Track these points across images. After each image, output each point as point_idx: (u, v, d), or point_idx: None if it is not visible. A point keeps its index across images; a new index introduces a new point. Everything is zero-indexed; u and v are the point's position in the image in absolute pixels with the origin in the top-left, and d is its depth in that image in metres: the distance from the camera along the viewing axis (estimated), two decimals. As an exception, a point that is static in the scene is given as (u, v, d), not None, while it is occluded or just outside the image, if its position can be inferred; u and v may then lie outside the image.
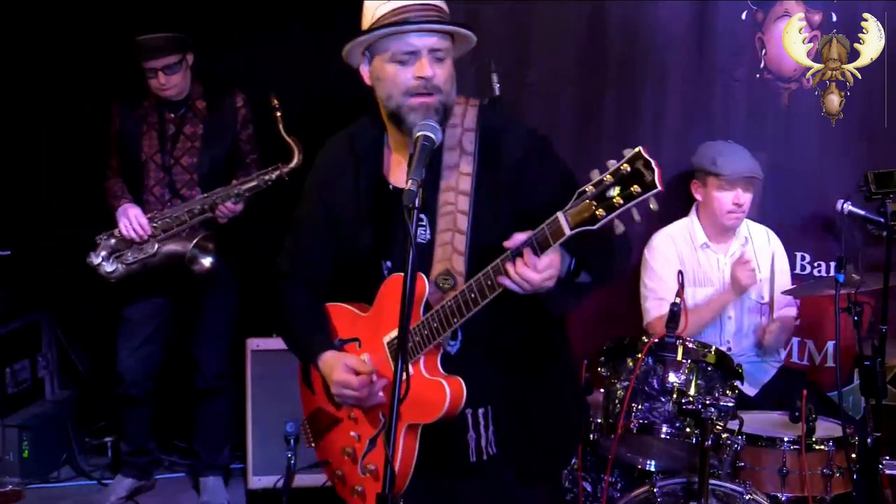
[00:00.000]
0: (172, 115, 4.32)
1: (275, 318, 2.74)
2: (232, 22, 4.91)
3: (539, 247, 2.19)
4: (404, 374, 2.13)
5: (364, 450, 2.52)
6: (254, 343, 4.51)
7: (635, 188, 2.06)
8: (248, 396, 4.50)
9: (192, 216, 4.23)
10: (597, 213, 2.10)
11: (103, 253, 4.23)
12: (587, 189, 2.12)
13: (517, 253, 2.21)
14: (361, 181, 2.53)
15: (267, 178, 4.23)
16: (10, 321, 4.93)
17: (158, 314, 4.46)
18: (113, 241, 4.25)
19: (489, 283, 2.26)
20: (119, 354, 4.45)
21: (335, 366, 2.49)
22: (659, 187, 2.05)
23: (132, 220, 4.20)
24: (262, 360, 4.48)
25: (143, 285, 4.35)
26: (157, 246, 4.22)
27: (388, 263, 2.50)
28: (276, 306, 2.71)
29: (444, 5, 2.42)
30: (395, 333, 2.39)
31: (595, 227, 2.12)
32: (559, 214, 2.15)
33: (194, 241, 4.21)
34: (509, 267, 2.22)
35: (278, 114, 4.23)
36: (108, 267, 4.23)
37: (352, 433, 2.57)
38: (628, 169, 2.07)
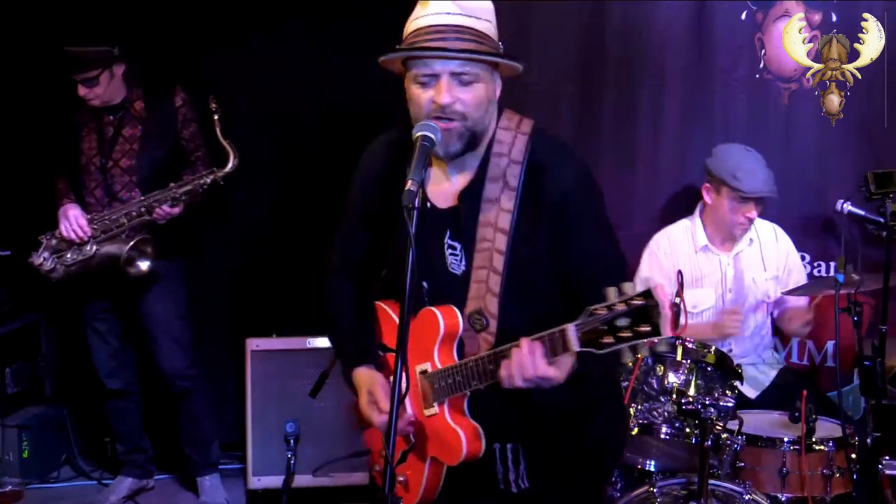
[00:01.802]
0: (111, 118, 4.31)
1: (322, 311, 2.70)
2: (229, 23, 4.89)
3: (549, 351, 2.15)
4: (404, 377, 2.13)
5: (397, 460, 2.46)
6: (254, 343, 4.51)
7: (644, 328, 2.03)
8: (248, 396, 4.50)
9: (130, 219, 4.20)
10: (603, 340, 2.06)
11: (45, 253, 4.25)
12: (597, 310, 2.07)
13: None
14: (398, 193, 2.38)
15: (202, 181, 4.21)
16: (10, 321, 4.93)
17: (107, 312, 4.47)
18: (55, 241, 4.26)
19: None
20: (91, 353, 4.50)
21: (362, 390, 2.48)
22: (666, 335, 2.03)
23: (71, 221, 4.20)
24: (262, 360, 4.48)
25: (85, 286, 4.36)
26: (94, 247, 4.21)
27: (425, 284, 2.43)
28: (322, 302, 2.68)
29: (482, 25, 2.30)
30: (426, 367, 2.39)
31: (600, 353, 2.08)
32: (569, 328, 2.10)
33: (130, 244, 4.19)
34: (505, 362, 2.19)
35: (216, 117, 4.18)
36: (48, 266, 4.24)
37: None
38: (641, 303, 2.03)
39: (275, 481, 4.36)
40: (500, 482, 2.47)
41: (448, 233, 2.41)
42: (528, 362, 2.15)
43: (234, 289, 5.01)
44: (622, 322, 2.04)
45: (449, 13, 2.26)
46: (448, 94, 2.26)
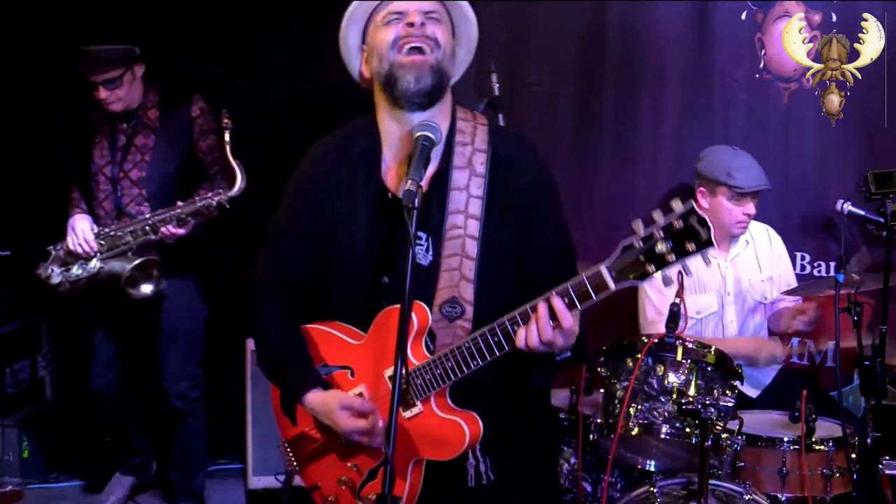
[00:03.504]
0: (124, 126, 4.14)
1: (252, 334, 2.62)
2: (228, 23, 4.90)
3: (578, 299, 2.12)
4: (404, 374, 2.10)
5: (363, 480, 2.41)
6: (253, 343, 4.50)
7: (690, 245, 2.03)
8: (248, 396, 4.49)
9: (136, 237, 4.04)
10: (646, 269, 2.06)
11: (53, 266, 4.11)
12: (634, 243, 2.07)
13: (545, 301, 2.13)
14: (359, 189, 2.41)
15: (208, 203, 3.99)
16: (10, 321, 4.93)
17: (108, 328, 4.33)
18: (62, 253, 4.12)
19: (517, 329, 2.17)
20: (91, 367, 4.36)
21: (333, 411, 2.36)
22: (715, 245, 2.03)
23: (79, 234, 4.04)
24: (262, 360, 4.48)
25: (89, 300, 4.23)
26: (99, 264, 4.07)
27: (386, 279, 2.38)
28: (250, 324, 2.59)
29: None
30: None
31: (643, 283, 2.10)
32: (602, 268, 2.09)
33: (133, 264, 4.03)
34: (526, 324, 2.15)
35: (227, 135, 3.95)
36: (55, 280, 4.11)
37: (349, 464, 2.46)
38: (681, 224, 2.03)
39: (275, 481, 4.37)
40: (470, 478, 2.41)
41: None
42: (553, 318, 2.13)
43: (233, 289, 4.99)
44: (663, 247, 2.05)
45: None
46: (419, 15, 2.28)
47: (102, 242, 4.07)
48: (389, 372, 2.34)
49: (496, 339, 2.20)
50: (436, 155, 2.36)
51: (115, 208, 4.12)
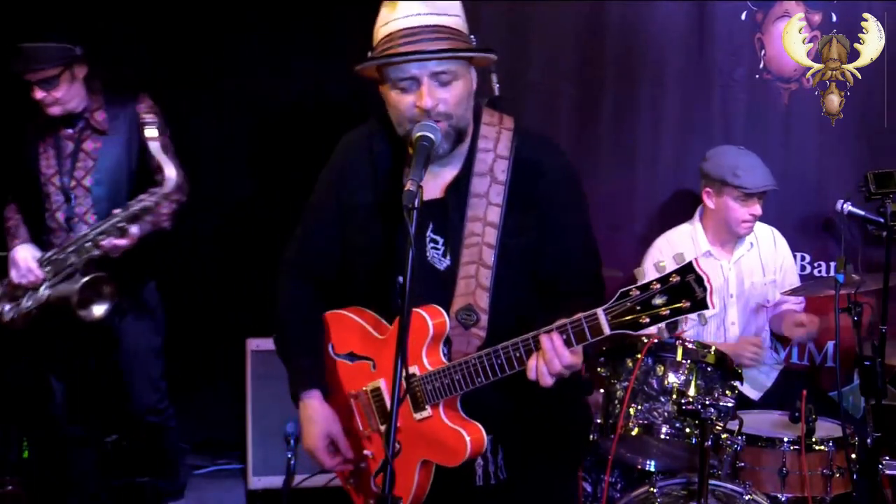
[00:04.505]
0: (70, 131, 3.85)
1: (273, 309, 2.62)
2: (228, 23, 4.90)
3: (574, 339, 2.15)
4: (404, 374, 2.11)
5: (377, 468, 2.46)
6: (253, 343, 4.51)
7: (684, 303, 2.04)
8: (248, 396, 4.50)
9: (80, 256, 3.73)
10: (640, 320, 2.08)
11: (2, 303, 3.89)
12: (631, 291, 2.08)
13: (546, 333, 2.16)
14: (380, 185, 2.44)
15: (144, 206, 3.66)
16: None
17: (68, 353, 4.10)
18: (9, 288, 3.87)
19: (518, 355, 2.21)
20: (50, 396, 4.14)
21: (319, 429, 2.47)
22: (711, 308, 2.03)
23: (21, 266, 3.79)
24: (262, 360, 4.48)
25: (44, 327, 3.94)
26: (48, 291, 3.79)
27: (401, 279, 2.34)
28: (276, 299, 2.61)
29: (452, 21, 2.28)
30: (412, 370, 2.32)
31: (635, 333, 2.11)
32: (599, 312, 2.11)
33: (80, 284, 3.73)
34: (534, 356, 2.18)
35: (155, 131, 3.64)
36: (8, 316, 3.88)
37: (366, 451, 2.52)
38: (678, 280, 2.04)
39: (275, 481, 4.37)
40: (478, 478, 2.44)
41: (431, 226, 2.39)
42: (556, 354, 2.16)
43: (233, 289, 5.01)
44: (659, 300, 2.06)
45: (419, 14, 2.25)
46: (430, 98, 2.25)
47: (48, 269, 3.81)
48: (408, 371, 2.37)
49: (499, 362, 2.23)
50: (457, 160, 2.38)
51: (68, 219, 3.85)
